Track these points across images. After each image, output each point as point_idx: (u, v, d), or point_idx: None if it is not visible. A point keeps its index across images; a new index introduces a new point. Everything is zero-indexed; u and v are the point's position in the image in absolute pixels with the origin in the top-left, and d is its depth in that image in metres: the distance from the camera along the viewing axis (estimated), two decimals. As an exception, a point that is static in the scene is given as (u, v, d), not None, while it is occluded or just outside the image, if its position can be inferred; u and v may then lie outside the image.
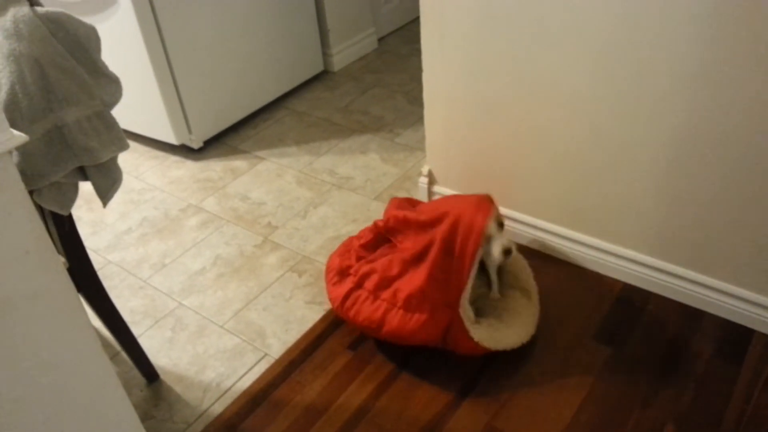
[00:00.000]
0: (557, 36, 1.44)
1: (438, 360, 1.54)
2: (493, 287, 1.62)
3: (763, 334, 1.53)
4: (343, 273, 1.59)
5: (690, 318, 1.59)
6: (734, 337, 1.53)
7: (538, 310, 1.59)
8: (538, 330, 1.57)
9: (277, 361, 1.59)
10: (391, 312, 1.48)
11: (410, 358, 1.56)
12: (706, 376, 1.45)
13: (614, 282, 1.71)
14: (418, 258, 1.49)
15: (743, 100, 1.29)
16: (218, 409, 1.50)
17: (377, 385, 1.50)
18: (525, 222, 1.80)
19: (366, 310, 1.52)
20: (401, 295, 1.48)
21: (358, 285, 1.54)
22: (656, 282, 1.65)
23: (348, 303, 1.54)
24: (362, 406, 1.46)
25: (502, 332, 1.51)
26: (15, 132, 0.77)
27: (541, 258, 1.79)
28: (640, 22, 1.32)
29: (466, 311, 1.47)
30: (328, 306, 1.72)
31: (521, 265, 1.65)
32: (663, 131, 1.42)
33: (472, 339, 1.45)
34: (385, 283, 1.51)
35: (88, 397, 0.97)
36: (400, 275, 1.50)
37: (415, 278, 1.47)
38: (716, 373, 1.45)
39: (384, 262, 1.53)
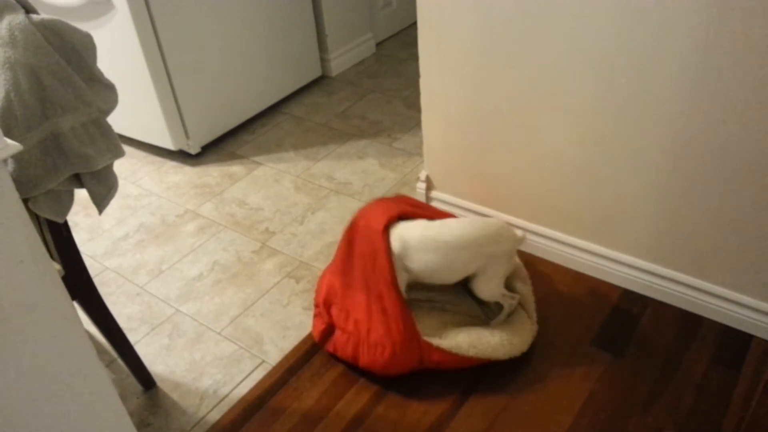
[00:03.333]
0: (556, 42, 1.44)
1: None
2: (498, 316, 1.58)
3: (762, 340, 1.52)
4: (324, 304, 1.59)
5: (689, 323, 1.58)
6: (733, 342, 1.53)
7: (535, 330, 1.55)
8: (538, 336, 1.57)
9: (275, 368, 1.58)
10: (359, 347, 1.49)
11: (408, 364, 1.55)
12: (705, 381, 1.45)
13: (613, 288, 1.70)
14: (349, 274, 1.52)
15: (742, 108, 1.29)
16: (215, 416, 1.49)
17: (375, 392, 1.50)
18: (523, 227, 1.79)
19: (340, 345, 1.53)
20: (352, 320, 1.50)
21: (329, 320, 1.57)
22: (655, 287, 1.64)
23: (328, 343, 1.57)
24: (360, 414, 1.45)
25: (487, 340, 1.47)
26: (9, 141, 0.76)
27: (539, 263, 1.79)
28: (640, 31, 1.32)
29: (428, 326, 1.48)
30: (325, 312, 1.72)
31: (521, 277, 1.63)
32: (662, 138, 1.42)
33: (449, 353, 1.44)
34: (344, 313, 1.52)
35: (83, 405, 0.97)
36: (345, 297, 1.53)
37: (356, 298, 1.50)
38: (715, 379, 1.45)
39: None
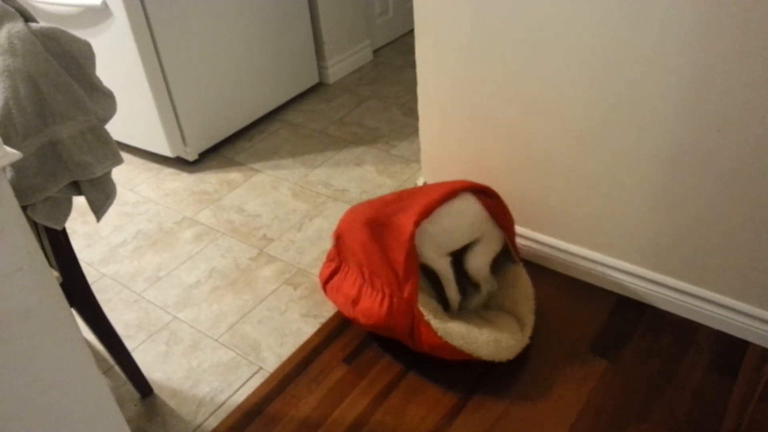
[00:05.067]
0: (552, 49, 1.45)
1: (434, 373, 1.54)
2: (474, 296, 1.61)
3: (758, 346, 1.53)
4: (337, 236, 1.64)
5: (685, 330, 1.59)
6: (729, 349, 1.53)
7: (525, 343, 1.53)
8: (534, 341, 1.57)
9: (272, 375, 1.58)
10: (364, 287, 1.53)
11: (406, 371, 1.55)
12: (702, 388, 1.45)
13: (609, 294, 1.71)
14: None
15: (737, 115, 1.30)
16: (212, 423, 1.49)
17: (373, 398, 1.50)
18: (520, 234, 1.80)
19: (346, 285, 1.57)
20: (358, 260, 1.55)
21: (342, 261, 1.62)
22: (651, 294, 1.65)
23: (333, 280, 1.62)
24: (358, 421, 1.45)
25: (475, 336, 1.47)
26: (8, 149, 0.77)
27: (536, 270, 1.79)
28: (634, 37, 1.33)
29: (427, 305, 1.48)
30: (323, 319, 1.72)
31: (526, 294, 1.61)
32: (657, 144, 1.43)
33: (436, 334, 1.44)
34: (351, 251, 1.58)
35: (80, 412, 0.97)
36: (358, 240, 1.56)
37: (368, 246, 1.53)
38: (712, 386, 1.45)
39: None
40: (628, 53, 1.35)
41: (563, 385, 1.49)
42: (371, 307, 1.51)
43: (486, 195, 1.58)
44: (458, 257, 1.59)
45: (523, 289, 1.61)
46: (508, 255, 1.65)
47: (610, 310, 1.66)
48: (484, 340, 1.47)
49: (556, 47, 1.44)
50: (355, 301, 1.55)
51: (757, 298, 1.49)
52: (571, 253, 1.74)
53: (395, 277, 1.46)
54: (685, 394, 1.44)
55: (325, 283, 1.68)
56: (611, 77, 1.40)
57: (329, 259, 1.70)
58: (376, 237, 1.50)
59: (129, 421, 1.49)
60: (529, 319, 1.57)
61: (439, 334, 1.44)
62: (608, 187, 1.56)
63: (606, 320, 1.64)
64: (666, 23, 1.28)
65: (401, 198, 1.58)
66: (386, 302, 1.48)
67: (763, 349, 1.52)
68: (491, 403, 1.46)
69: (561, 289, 1.74)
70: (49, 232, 1.24)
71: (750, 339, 1.54)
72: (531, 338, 1.56)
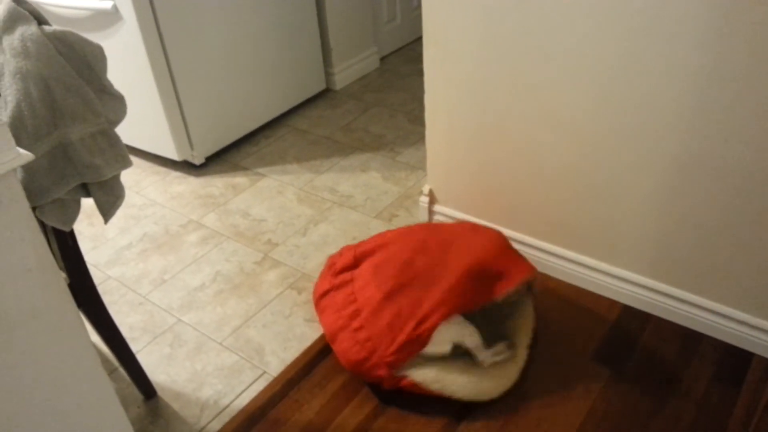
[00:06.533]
0: (560, 59, 1.46)
1: (437, 380, 1.54)
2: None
3: (763, 358, 1.53)
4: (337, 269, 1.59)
5: (689, 340, 1.59)
6: (733, 360, 1.53)
7: (513, 380, 1.47)
8: (538, 350, 1.57)
9: (276, 379, 1.59)
10: (344, 331, 1.47)
11: (409, 377, 1.55)
12: (705, 399, 1.45)
13: (614, 303, 1.71)
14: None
15: (745, 126, 1.30)
16: (215, 426, 1.49)
17: (375, 405, 1.50)
18: (525, 243, 1.80)
19: (328, 315, 1.52)
20: (356, 307, 1.48)
21: (336, 285, 1.55)
22: (655, 304, 1.65)
23: (323, 302, 1.56)
24: (360, 427, 1.45)
25: (453, 378, 1.42)
26: (21, 150, 0.78)
27: (540, 279, 1.79)
28: (643, 48, 1.34)
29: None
30: (327, 324, 1.72)
31: (526, 329, 1.56)
32: (664, 155, 1.43)
33: (407, 378, 1.42)
34: (351, 297, 1.51)
35: (85, 413, 0.97)
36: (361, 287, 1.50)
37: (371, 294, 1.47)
38: (715, 397, 1.45)
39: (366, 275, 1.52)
40: (637, 64, 1.36)
41: (566, 394, 1.49)
42: (346, 351, 1.47)
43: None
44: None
45: (525, 321, 1.56)
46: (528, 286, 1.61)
47: (614, 320, 1.66)
48: (463, 381, 1.42)
49: (565, 58, 1.45)
50: (332, 340, 1.51)
51: (762, 310, 1.49)
52: (576, 262, 1.74)
53: (389, 343, 1.42)
54: (689, 405, 1.44)
55: (320, 298, 1.61)
56: (620, 88, 1.41)
57: (332, 273, 1.61)
58: (391, 299, 1.45)
59: (132, 423, 1.49)
60: (522, 355, 1.50)
61: (417, 381, 1.42)
62: (614, 197, 1.57)
63: (610, 330, 1.64)
64: (676, 33, 1.28)
65: (432, 252, 1.49)
66: (362, 356, 1.44)
67: (768, 360, 1.52)
68: (494, 412, 1.46)
69: (565, 298, 1.74)
70: (57, 233, 1.24)
71: (754, 350, 1.54)
72: (523, 371, 1.50)
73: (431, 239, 1.54)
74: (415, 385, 1.43)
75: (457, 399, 1.43)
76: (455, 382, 1.42)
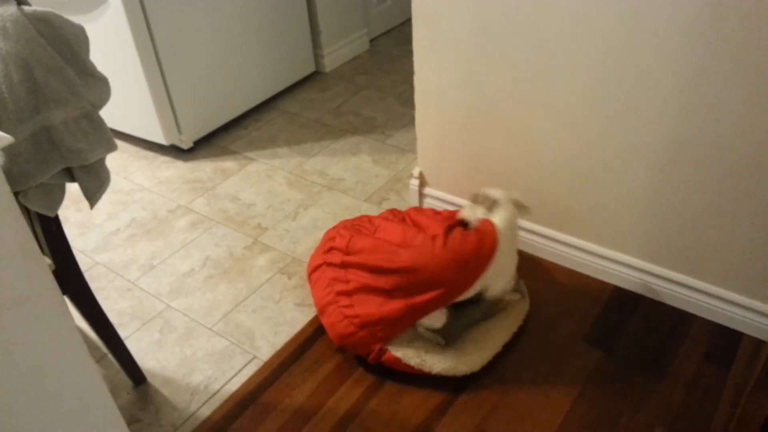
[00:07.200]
0: (553, 43, 1.44)
1: (428, 363, 1.54)
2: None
3: (752, 338, 1.53)
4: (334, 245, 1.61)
5: (680, 321, 1.59)
6: (723, 340, 1.54)
7: (488, 358, 1.50)
8: (529, 331, 1.57)
9: (266, 364, 1.58)
10: (333, 305, 1.52)
11: (400, 361, 1.55)
12: (696, 379, 1.46)
13: (605, 285, 1.71)
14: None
15: (735, 107, 1.30)
16: (206, 412, 1.48)
17: (366, 388, 1.50)
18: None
19: (319, 290, 1.57)
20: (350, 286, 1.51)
21: (328, 262, 1.58)
22: (647, 285, 1.65)
23: (315, 275, 1.61)
24: (352, 410, 1.45)
25: (431, 354, 1.48)
26: (0, 133, 0.76)
27: (531, 261, 1.79)
28: (637, 31, 1.32)
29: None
30: (318, 308, 1.72)
31: (515, 311, 1.60)
32: (655, 137, 1.43)
33: (389, 353, 1.48)
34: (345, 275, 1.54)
35: (73, 400, 0.96)
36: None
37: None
38: (705, 377, 1.46)
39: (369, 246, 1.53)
40: (631, 46, 1.35)
41: (558, 376, 1.49)
42: (332, 325, 1.53)
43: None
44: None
45: (510, 320, 1.58)
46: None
47: (605, 301, 1.66)
48: (439, 357, 1.48)
49: (555, 38, 1.43)
50: (321, 312, 1.56)
51: (752, 290, 1.50)
52: (568, 244, 1.74)
53: (377, 321, 1.47)
54: (679, 385, 1.44)
55: (313, 271, 1.64)
56: (613, 69, 1.40)
57: (326, 249, 1.63)
58: (381, 278, 1.48)
59: (122, 409, 1.49)
60: (507, 331, 1.55)
61: (399, 356, 1.47)
62: (606, 180, 1.56)
63: (601, 311, 1.64)
64: (668, 17, 1.27)
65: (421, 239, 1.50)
66: (350, 330, 1.49)
67: (757, 340, 1.53)
68: (486, 393, 1.46)
69: (556, 280, 1.74)
70: (42, 219, 1.22)
71: (744, 330, 1.55)
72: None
73: (416, 225, 1.59)
74: (396, 361, 1.47)
75: (436, 374, 1.46)
76: (434, 358, 1.47)
